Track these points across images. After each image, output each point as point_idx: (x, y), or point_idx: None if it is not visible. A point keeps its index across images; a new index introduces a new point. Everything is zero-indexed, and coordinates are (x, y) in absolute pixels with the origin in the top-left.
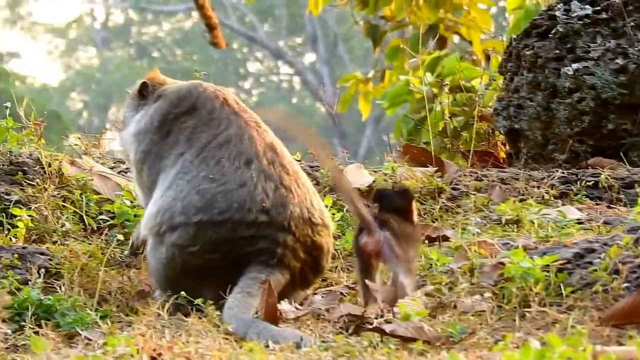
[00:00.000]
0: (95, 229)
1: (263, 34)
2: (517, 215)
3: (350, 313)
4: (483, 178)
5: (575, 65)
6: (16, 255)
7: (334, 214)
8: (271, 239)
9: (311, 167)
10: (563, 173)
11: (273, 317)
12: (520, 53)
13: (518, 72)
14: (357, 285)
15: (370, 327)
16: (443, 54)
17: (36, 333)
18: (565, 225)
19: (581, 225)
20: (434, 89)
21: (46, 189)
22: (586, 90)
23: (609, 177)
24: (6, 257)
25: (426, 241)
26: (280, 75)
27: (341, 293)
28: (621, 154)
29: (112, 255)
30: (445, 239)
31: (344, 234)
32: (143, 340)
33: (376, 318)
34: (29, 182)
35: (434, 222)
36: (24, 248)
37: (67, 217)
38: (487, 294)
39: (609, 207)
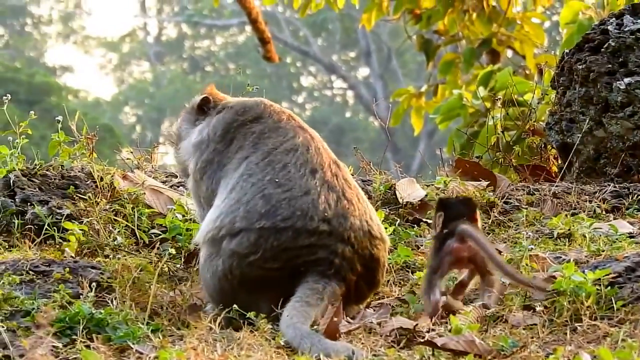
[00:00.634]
0: (147, 242)
1: (316, 48)
2: (569, 229)
3: (401, 327)
4: (535, 192)
5: (627, 80)
6: (68, 269)
7: (386, 228)
8: (330, 249)
9: (363, 181)
10: (615, 187)
11: (334, 333)
12: (572, 67)
13: (570, 87)
14: (425, 290)
15: (422, 340)
16: (496, 68)
17: (87, 347)
18: (617, 239)
19: (633, 239)
20: (486, 103)
21: (98, 203)
22: (638, 105)
23: None
24: (58, 271)
25: None
26: (334, 89)
27: (393, 306)
28: None
29: (164, 269)
30: (498, 252)
31: (396, 248)
32: (194, 354)
33: (428, 331)
34: (80, 196)
35: (486, 235)
36: (75, 262)
37: (118, 231)
38: (539, 308)
39: None
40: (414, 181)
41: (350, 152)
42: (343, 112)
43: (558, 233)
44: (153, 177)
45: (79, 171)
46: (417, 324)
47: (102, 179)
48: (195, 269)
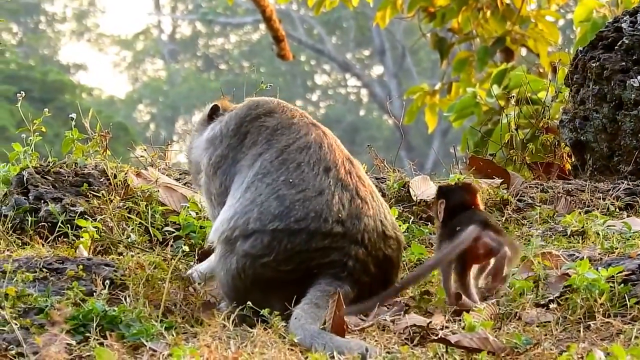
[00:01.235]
0: (161, 240)
1: (331, 46)
2: (583, 227)
3: (415, 324)
4: (548, 190)
5: None
6: (81, 267)
7: (400, 225)
8: (344, 252)
9: (377, 179)
10: (628, 185)
11: (340, 329)
12: (586, 65)
13: (584, 84)
14: (454, 283)
15: (436, 338)
16: (510, 67)
17: (101, 344)
18: (631, 237)
19: None
20: (500, 101)
21: (111, 201)
22: None
23: None
24: (71, 269)
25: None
26: (348, 87)
27: (406, 304)
28: None
29: (178, 267)
30: None
31: (409, 246)
32: (208, 352)
33: (441, 329)
34: (94, 193)
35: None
36: (89, 259)
37: (132, 229)
38: (552, 305)
39: None
40: (428, 179)
41: (364, 151)
42: (357, 111)
43: (571, 230)
44: (167, 175)
45: (92, 169)
46: (430, 321)
47: (115, 177)
48: None
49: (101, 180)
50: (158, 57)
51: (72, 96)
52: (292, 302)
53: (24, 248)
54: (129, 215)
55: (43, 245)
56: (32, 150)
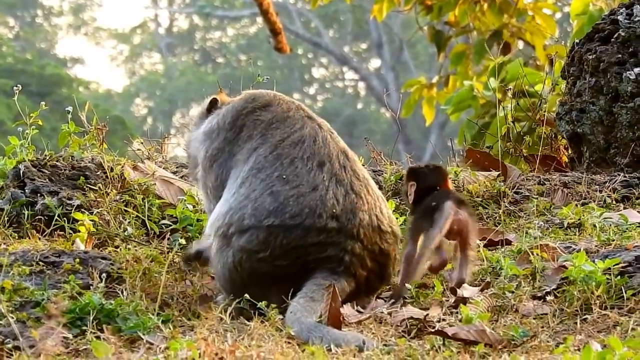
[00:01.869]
0: (158, 233)
1: (328, 39)
2: (579, 219)
3: (412, 317)
4: (545, 182)
5: (637, 70)
6: (78, 260)
7: (397, 218)
8: (340, 247)
9: (374, 171)
10: (625, 177)
11: (336, 321)
12: (582, 57)
13: (580, 77)
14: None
15: (433, 330)
16: (507, 60)
17: (97, 337)
18: (627, 229)
19: None
20: (497, 94)
21: (108, 194)
22: None
23: None
24: (68, 262)
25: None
26: (345, 81)
27: (404, 297)
28: None
29: (175, 260)
30: (508, 242)
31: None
32: (205, 344)
33: (438, 321)
34: (91, 186)
35: (496, 225)
36: (85, 253)
37: (129, 222)
38: (549, 297)
39: None
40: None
41: (362, 144)
42: (355, 104)
43: (568, 223)
44: (163, 168)
45: (89, 162)
46: (427, 314)
47: (112, 170)
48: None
49: (98, 173)
50: (155, 50)
51: (69, 90)
52: (289, 295)
53: (20, 241)
54: (125, 208)
55: (39, 238)
56: (28, 144)
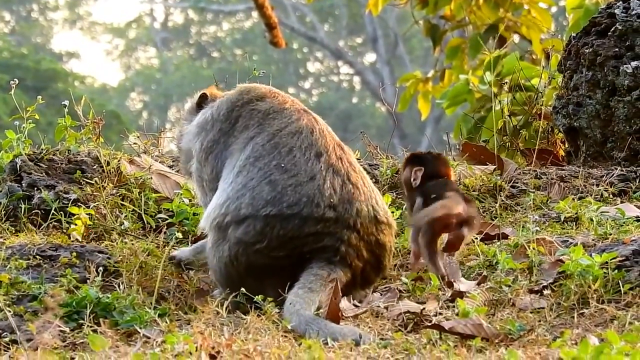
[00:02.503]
0: (154, 227)
1: (323, 34)
2: (576, 213)
3: (409, 310)
4: (542, 176)
5: (634, 63)
6: (75, 254)
7: (393, 212)
8: (336, 237)
9: (370, 165)
10: (622, 171)
11: (335, 315)
12: (579, 51)
13: (577, 70)
14: (422, 253)
15: (429, 324)
16: (503, 54)
17: (94, 331)
18: (624, 223)
19: (639, 223)
20: (493, 88)
21: (105, 188)
22: None
23: None
24: (65, 256)
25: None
26: (340, 75)
27: (400, 290)
28: None
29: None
30: (505, 236)
31: (403, 232)
32: (202, 338)
33: (435, 315)
34: (87, 180)
35: (493, 219)
36: (82, 246)
37: (125, 216)
38: (546, 291)
39: None
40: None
41: (357, 138)
42: (350, 98)
43: (565, 217)
44: (160, 162)
45: (85, 156)
46: (424, 308)
47: (108, 164)
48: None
49: (94, 167)
50: (150, 45)
51: (65, 84)
52: (285, 288)
53: (17, 235)
54: (122, 202)
55: (36, 232)
56: (25, 138)
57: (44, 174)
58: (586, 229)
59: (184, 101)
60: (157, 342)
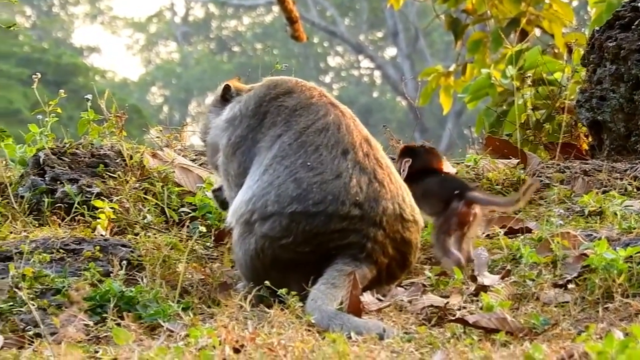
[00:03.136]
0: (177, 221)
1: (344, 28)
2: (600, 207)
3: (433, 304)
4: (566, 170)
5: None
6: (98, 247)
7: None
8: (362, 234)
9: (392, 159)
10: None
11: (357, 309)
12: (602, 45)
13: (601, 64)
14: (436, 245)
15: (453, 318)
16: (525, 48)
17: (118, 325)
18: None
19: None
20: (515, 82)
21: (128, 181)
22: None
23: None
24: (88, 249)
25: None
26: (361, 69)
27: (424, 284)
28: None
29: (194, 247)
30: (528, 230)
31: (426, 227)
32: (225, 332)
33: (459, 309)
34: (110, 174)
35: (516, 213)
36: (105, 240)
37: (148, 210)
38: (570, 286)
39: None
40: (445, 159)
41: (378, 132)
42: (370, 92)
43: (589, 211)
44: (182, 156)
45: (108, 149)
46: (448, 302)
47: (131, 157)
48: (227, 247)
49: (117, 161)
50: (171, 39)
51: (86, 79)
52: (309, 282)
53: (40, 229)
54: (145, 196)
55: (60, 226)
56: (48, 132)
57: (67, 167)
58: (610, 222)
59: (204, 95)
60: (180, 335)
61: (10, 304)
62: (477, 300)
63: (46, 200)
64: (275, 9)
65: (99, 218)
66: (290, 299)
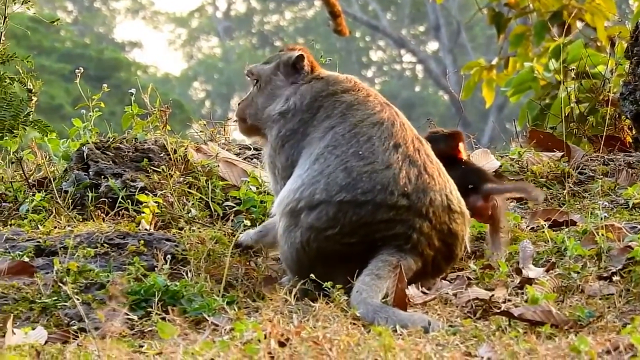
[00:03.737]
0: (221, 215)
1: (386, 22)
2: None
3: (477, 297)
4: (610, 162)
5: None
6: (142, 242)
7: None
8: (408, 224)
9: None
10: None
11: (402, 302)
12: None
13: None
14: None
15: (498, 311)
16: (567, 41)
17: (163, 319)
18: None
19: None
20: (557, 76)
21: (172, 176)
22: None
23: None
24: (132, 244)
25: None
26: (403, 63)
27: (469, 277)
28: None
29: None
30: (573, 223)
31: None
32: (270, 326)
33: (504, 302)
34: (154, 168)
35: (560, 206)
36: (150, 234)
37: (192, 204)
38: (615, 278)
39: None
40: (489, 152)
41: (421, 127)
42: (412, 87)
43: (633, 203)
44: (226, 150)
45: (152, 144)
46: (493, 295)
47: (175, 152)
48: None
49: (161, 155)
50: (213, 34)
51: (128, 74)
52: (354, 275)
53: (84, 223)
54: (189, 190)
55: (104, 220)
56: (92, 126)
57: (110, 162)
58: None
59: (246, 90)
60: (225, 329)
61: (55, 298)
62: (522, 293)
63: (90, 194)
64: (317, 3)
65: (143, 212)
66: (335, 292)
